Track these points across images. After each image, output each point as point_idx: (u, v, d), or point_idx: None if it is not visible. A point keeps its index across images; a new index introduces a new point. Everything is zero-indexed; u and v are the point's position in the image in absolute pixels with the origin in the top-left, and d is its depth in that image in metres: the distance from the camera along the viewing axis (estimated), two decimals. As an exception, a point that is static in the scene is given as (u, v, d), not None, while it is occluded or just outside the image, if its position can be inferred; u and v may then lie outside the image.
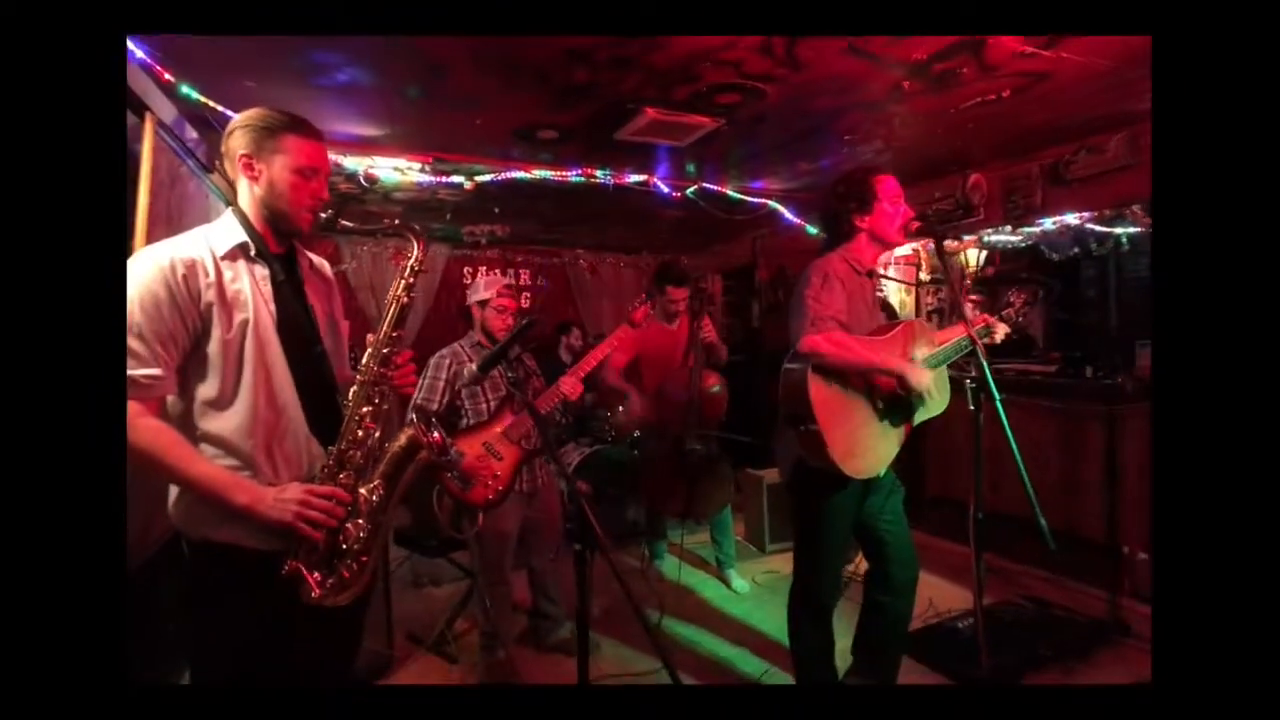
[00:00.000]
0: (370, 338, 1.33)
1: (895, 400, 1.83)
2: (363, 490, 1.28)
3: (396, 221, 1.39)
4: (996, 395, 1.61)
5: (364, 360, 1.31)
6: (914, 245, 4.49)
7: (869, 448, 1.78)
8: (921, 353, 1.87)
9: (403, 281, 1.35)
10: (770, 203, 4.10)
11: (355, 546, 1.27)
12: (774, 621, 2.10)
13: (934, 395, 1.83)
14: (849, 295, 1.82)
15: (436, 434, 1.38)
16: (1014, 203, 3.47)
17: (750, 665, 2.50)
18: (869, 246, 1.91)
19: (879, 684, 2.06)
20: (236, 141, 1.27)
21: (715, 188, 3.85)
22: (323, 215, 1.33)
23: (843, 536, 1.91)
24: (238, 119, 1.28)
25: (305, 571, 1.21)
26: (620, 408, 4.26)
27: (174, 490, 1.23)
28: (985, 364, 1.64)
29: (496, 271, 5.91)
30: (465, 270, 5.79)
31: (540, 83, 2.30)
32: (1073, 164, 3.12)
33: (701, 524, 3.58)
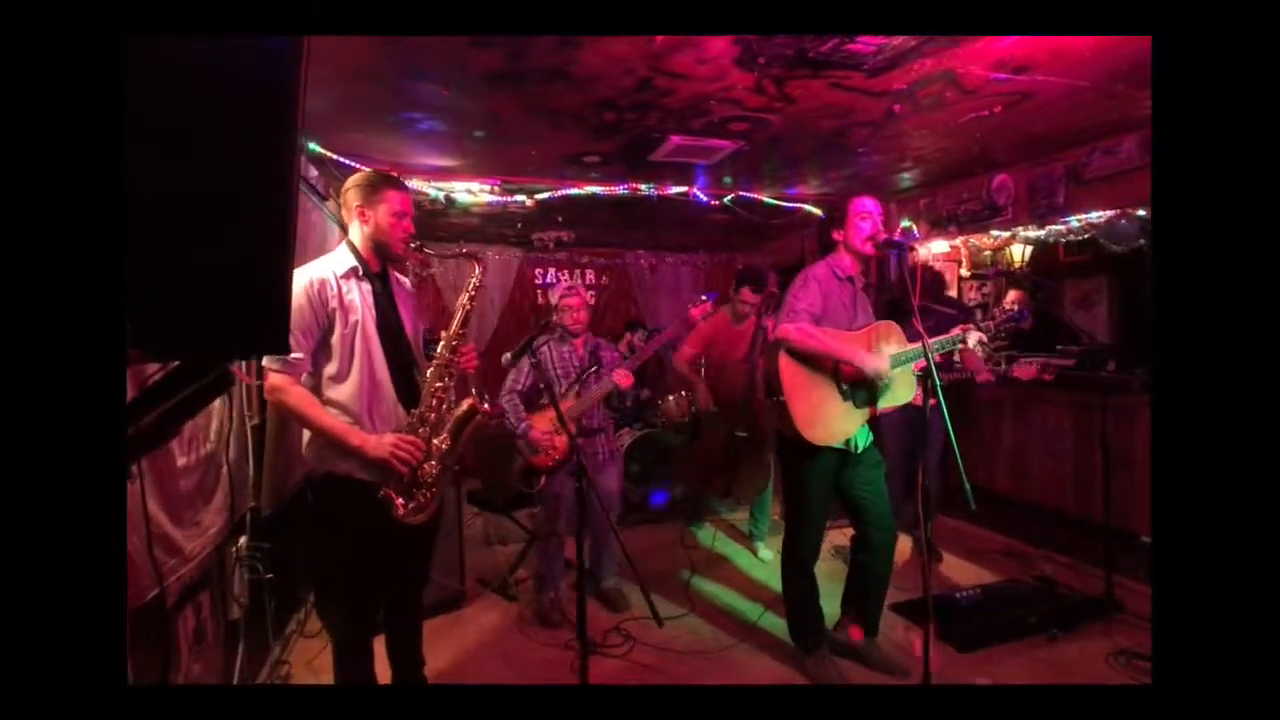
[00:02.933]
0: (443, 333, 1.86)
1: (858, 384, 2.18)
2: (435, 441, 1.81)
3: (464, 249, 1.94)
4: (939, 385, 1.94)
5: (439, 350, 1.84)
6: (953, 243, 4.65)
7: (828, 421, 2.14)
8: (888, 349, 2.20)
9: (466, 294, 1.88)
10: (805, 206, 4.39)
11: (429, 480, 1.80)
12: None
13: (894, 385, 2.17)
14: (826, 296, 2.19)
15: (487, 405, 1.90)
16: (1038, 202, 3.61)
17: (754, 612, 2.90)
18: (846, 256, 2.26)
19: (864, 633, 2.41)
20: (351, 196, 1.81)
21: (751, 195, 4.19)
22: (411, 245, 1.87)
23: (818, 500, 2.27)
24: (351, 180, 1.83)
25: (394, 495, 1.75)
26: (671, 398, 4.71)
27: (306, 435, 1.80)
28: (934, 367, 1.96)
29: (566, 275, 6.53)
30: (536, 271, 6.41)
31: (578, 122, 2.78)
32: (1088, 165, 3.25)
33: (741, 503, 3.95)
